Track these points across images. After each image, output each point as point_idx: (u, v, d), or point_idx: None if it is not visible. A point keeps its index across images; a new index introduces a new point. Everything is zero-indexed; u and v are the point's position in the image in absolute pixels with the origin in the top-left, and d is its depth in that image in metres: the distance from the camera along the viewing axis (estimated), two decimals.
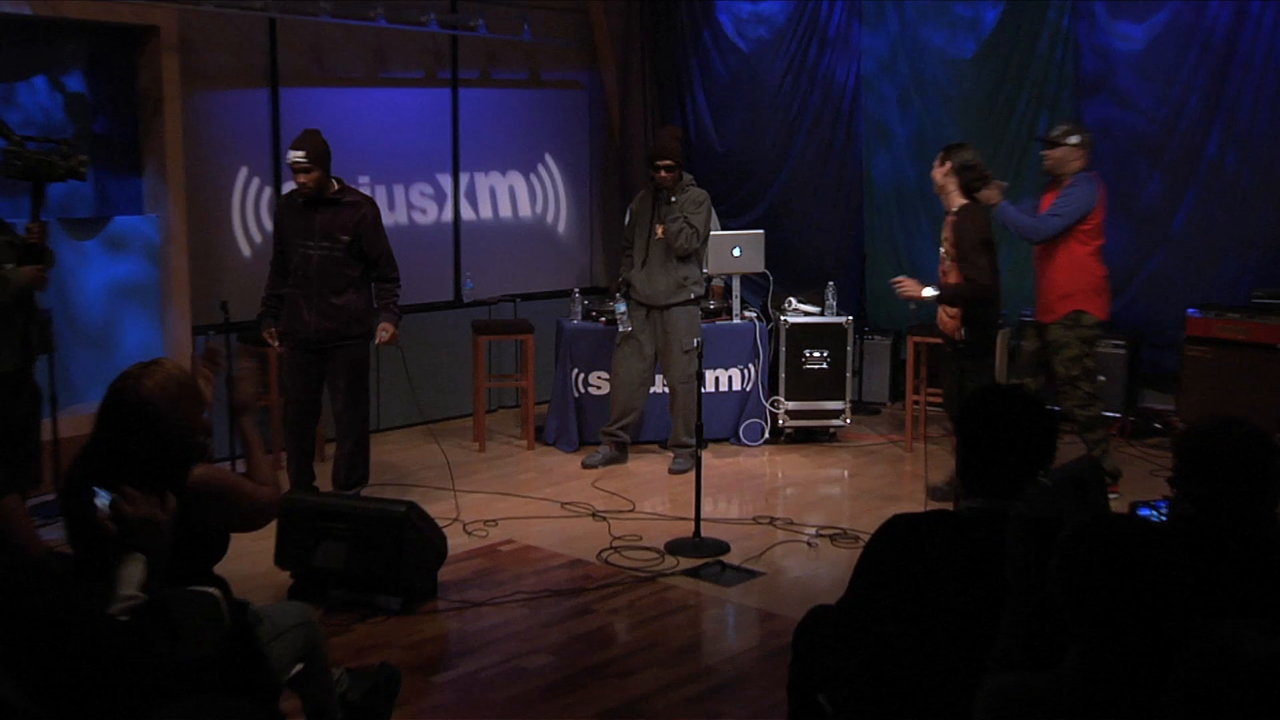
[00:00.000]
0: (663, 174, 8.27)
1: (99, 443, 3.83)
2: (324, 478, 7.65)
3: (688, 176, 8.54)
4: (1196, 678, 2.22)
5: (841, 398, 9.20)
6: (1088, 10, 9.33)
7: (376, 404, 9.35)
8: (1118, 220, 9.36)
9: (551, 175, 10.70)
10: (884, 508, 7.35)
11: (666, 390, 8.70)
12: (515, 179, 10.46)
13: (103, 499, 3.57)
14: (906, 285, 7.65)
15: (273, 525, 5.94)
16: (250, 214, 8.77)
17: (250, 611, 3.99)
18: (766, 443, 9.20)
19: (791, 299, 9.37)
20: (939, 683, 3.28)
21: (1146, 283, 9.35)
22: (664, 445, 8.88)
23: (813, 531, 7.24)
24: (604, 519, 7.45)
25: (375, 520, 5.97)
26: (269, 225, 8.55)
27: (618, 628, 5.92)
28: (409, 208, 9.74)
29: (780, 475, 8.61)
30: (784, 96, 10.74)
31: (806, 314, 9.26)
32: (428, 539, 6.13)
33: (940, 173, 7.52)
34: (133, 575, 3.37)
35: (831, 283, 9.39)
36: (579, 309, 9.15)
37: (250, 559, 6.05)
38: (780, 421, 9.21)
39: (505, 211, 10.41)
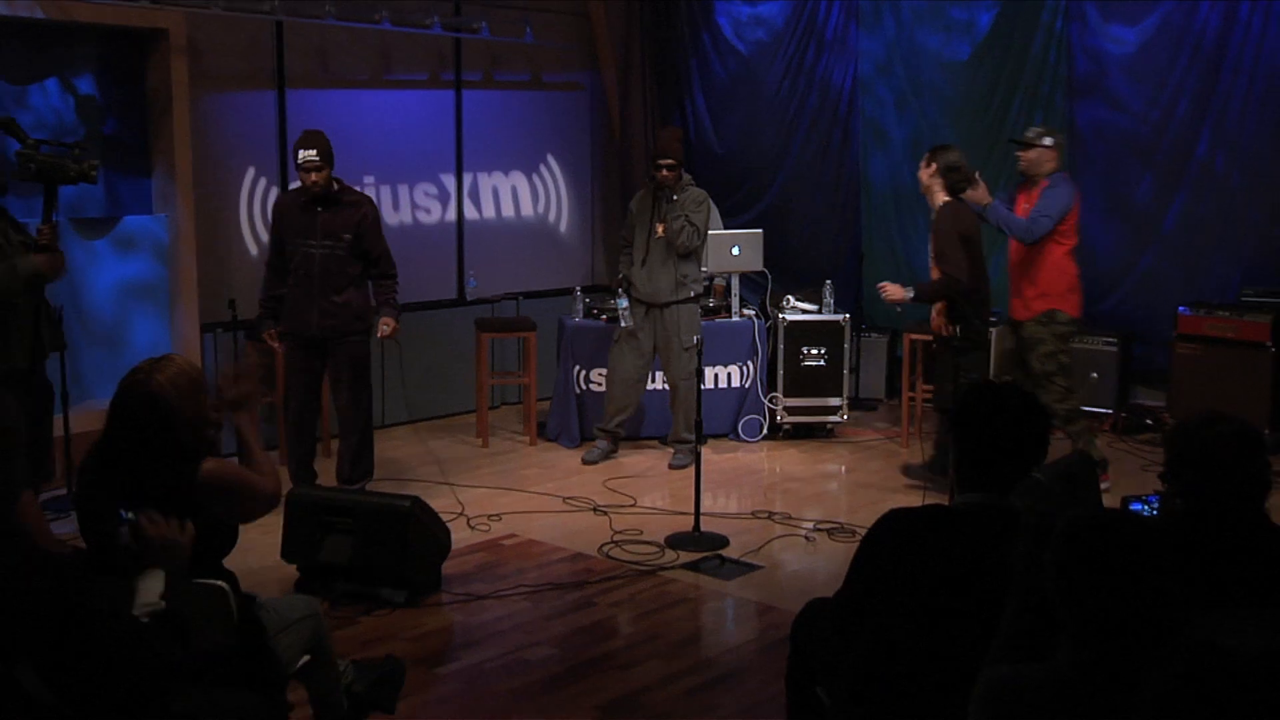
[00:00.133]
0: (664, 173, 8.37)
1: (111, 438, 3.85)
2: (327, 474, 7.73)
3: (687, 176, 8.65)
4: (1177, 671, 2.23)
5: (839, 394, 9.28)
6: (1080, 13, 9.41)
7: (380, 400, 9.44)
8: (1110, 220, 9.48)
9: (553, 175, 10.78)
10: (880, 502, 7.42)
11: (665, 387, 8.79)
12: (517, 179, 10.53)
13: (127, 520, 3.60)
14: (889, 289, 7.77)
15: (279, 519, 6.05)
16: (258, 214, 8.83)
17: (258, 604, 4.02)
18: (765, 438, 9.27)
19: (790, 297, 9.43)
20: (935, 675, 3.31)
21: (1138, 281, 9.44)
22: (664, 441, 8.96)
23: (810, 526, 7.31)
24: (605, 514, 7.51)
25: (380, 514, 6.02)
26: None
27: (619, 620, 5.97)
28: (413, 207, 9.82)
29: (778, 470, 8.68)
30: (782, 98, 10.81)
31: (804, 312, 9.33)
32: (432, 533, 6.19)
33: (926, 174, 7.62)
34: (153, 587, 3.38)
35: (829, 281, 9.45)
36: (580, 307, 9.22)
37: (257, 553, 6.14)
38: (778, 418, 9.28)
39: (508, 211, 10.49)
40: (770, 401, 9.26)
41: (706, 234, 8.54)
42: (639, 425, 9.02)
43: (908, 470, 8.11)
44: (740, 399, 9.26)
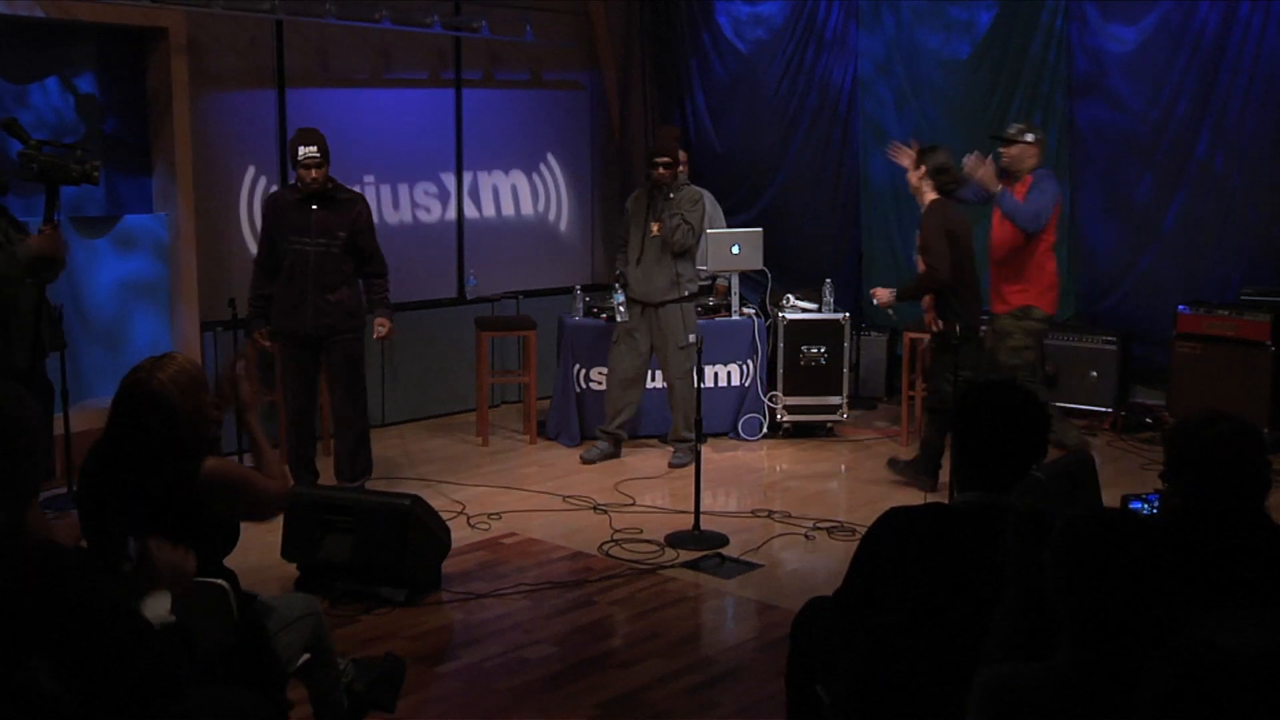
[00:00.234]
0: (661, 171, 8.38)
1: (112, 436, 3.86)
2: (326, 473, 7.74)
3: (683, 175, 8.66)
4: (1177, 670, 2.24)
5: (839, 393, 9.28)
6: (1080, 12, 9.42)
7: (381, 399, 9.47)
8: (1109, 219, 9.50)
9: (553, 174, 10.78)
10: (880, 501, 7.42)
11: (664, 386, 8.80)
12: (517, 178, 10.54)
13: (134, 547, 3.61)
14: (879, 294, 7.84)
15: (280, 518, 6.05)
16: (258, 213, 8.79)
17: (258, 603, 4.03)
18: (765, 437, 9.27)
19: (789, 296, 9.44)
20: (934, 673, 3.32)
21: (1138, 280, 9.45)
22: (664, 440, 8.97)
23: (810, 524, 7.33)
24: (605, 512, 7.52)
25: (380, 513, 6.03)
26: None
27: (619, 619, 5.98)
28: (413, 206, 9.83)
29: (778, 469, 8.69)
30: (782, 97, 10.83)
31: (804, 310, 9.34)
32: (432, 532, 6.20)
33: (915, 176, 7.69)
34: (161, 603, 3.39)
35: (829, 280, 9.45)
36: (580, 305, 9.22)
37: (258, 551, 6.13)
38: (778, 416, 9.28)
39: (508, 210, 10.50)
40: (770, 400, 9.27)
41: (701, 233, 8.54)
42: (638, 424, 9.02)
43: (891, 463, 8.12)
44: (740, 398, 9.27)
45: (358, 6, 9.04)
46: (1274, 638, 2.30)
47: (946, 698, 3.14)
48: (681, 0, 11.14)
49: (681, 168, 9.66)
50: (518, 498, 7.84)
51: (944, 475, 7.75)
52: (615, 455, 8.75)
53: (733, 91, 11.05)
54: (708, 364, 8.85)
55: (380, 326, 7.51)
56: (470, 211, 10.22)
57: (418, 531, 6.05)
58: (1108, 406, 9.33)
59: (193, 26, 8.31)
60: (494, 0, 9.99)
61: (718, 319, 9.24)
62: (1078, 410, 9.37)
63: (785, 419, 9.29)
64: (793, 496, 7.95)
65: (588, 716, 4.96)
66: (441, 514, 6.45)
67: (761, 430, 9.28)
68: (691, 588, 6.38)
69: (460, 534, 6.84)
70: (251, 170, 8.84)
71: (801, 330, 9.23)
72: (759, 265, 9.16)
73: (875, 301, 7.92)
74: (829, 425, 9.38)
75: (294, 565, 6.23)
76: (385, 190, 9.59)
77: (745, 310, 9.41)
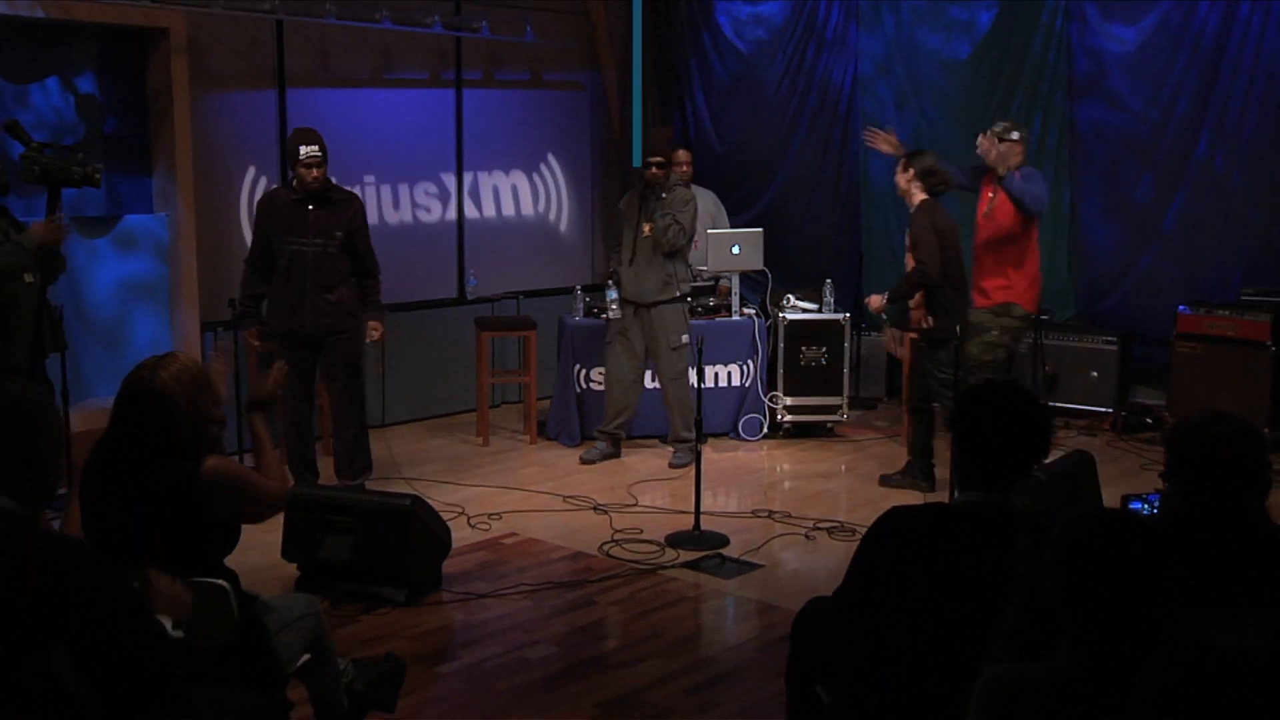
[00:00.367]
0: (654, 170, 8.37)
1: (114, 434, 3.86)
2: (326, 472, 7.77)
3: (675, 176, 8.66)
4: (1167, 669, 2.23)
5: (839, 393, 9.29)
6: (1080, 12, 9.43)
7: (381, 399, 9.47)
8: (1109, 219, 9.51)
9: (553, 174, 10.79)
10: (880, 501, 7.42)
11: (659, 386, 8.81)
12: (518, 178, 10.55)
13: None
14: (873, 301, 7.87)
15: (280, 518, 6.04)
16: None
17: (259, 603, 4.04)
18: (765, 437, 9.28)
19: (790, 296, 9.45)
20: (934, 673, 3.33)
21: (1138, 280, 9.46)
22: (664, 441, 8.97)
23: (811, 525, 7.33)
24: (605, 512, 7.53)
25: (380, 513, 6.03)
26: None
27: (619, 619, 5.98)
28: (413, 206, 9.83)
29: (779, 469, 8.70)
30: (782, 97, 10.84)
31: (804, 311, 9.34)
32: (432, 532, 6.20)
33: (904, 179, 7.72)
34: (164, 623, 3.39)
35: (829, 280, 9.45)
36: (580, 305, 9.22)
37: (258, 551, 6.13)
38: (779, 416, 9.29)
39: (508, 210, 10.51)
40: (770, 400, 9.27)
41: (693, 234, 8.54)
42: (639, 425, 9.01)
43: (883, 480, 8.10)
44: (740, 398, 9.28)
45: (358, 7, 9.05)
46: (1272, 638, 2.29)
47: (947, 697, 3.15)
48: (682, 0, 11.14)
49: (685, 168, 9.69)
50: (518, 498, 7.85)
51: (944, 473, 7.79)
52: (615, 455, 8.75)
53: (733, 91, 11.06)
54: (708, 364, 8.85)
55: (373, 330, 7.56)
56: (470, 212, 10.22)
57: (418, 531, 6.05)
58: (1108, 407, 9.34)
59: (193, 27, 8.31)
60: (494, 0, 9.99)
61: (718, 319, 9.24)
62: (1078, 410, 9.39)
63: (785, 419, 9.29)
64: (793, 497, 7.96)
65: (588, 717, 4.96)
66: (442, 514, 6.46)
67: (762, 430, 9.28)
68: (692, 588, 6.38)
69: (460, 534, 6.84)
70: (252, 170, 8.84)
71: (802, 330, 9.23)
72: (759, 265, 9.17)
73: (870, 309, 7.95)
74: (829, 425, 9.39)
75: (294, 565, 6.23)
76: (385, 190, 9.60)
77: (745, 310, 9.42)
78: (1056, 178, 9.66)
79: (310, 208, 7.31)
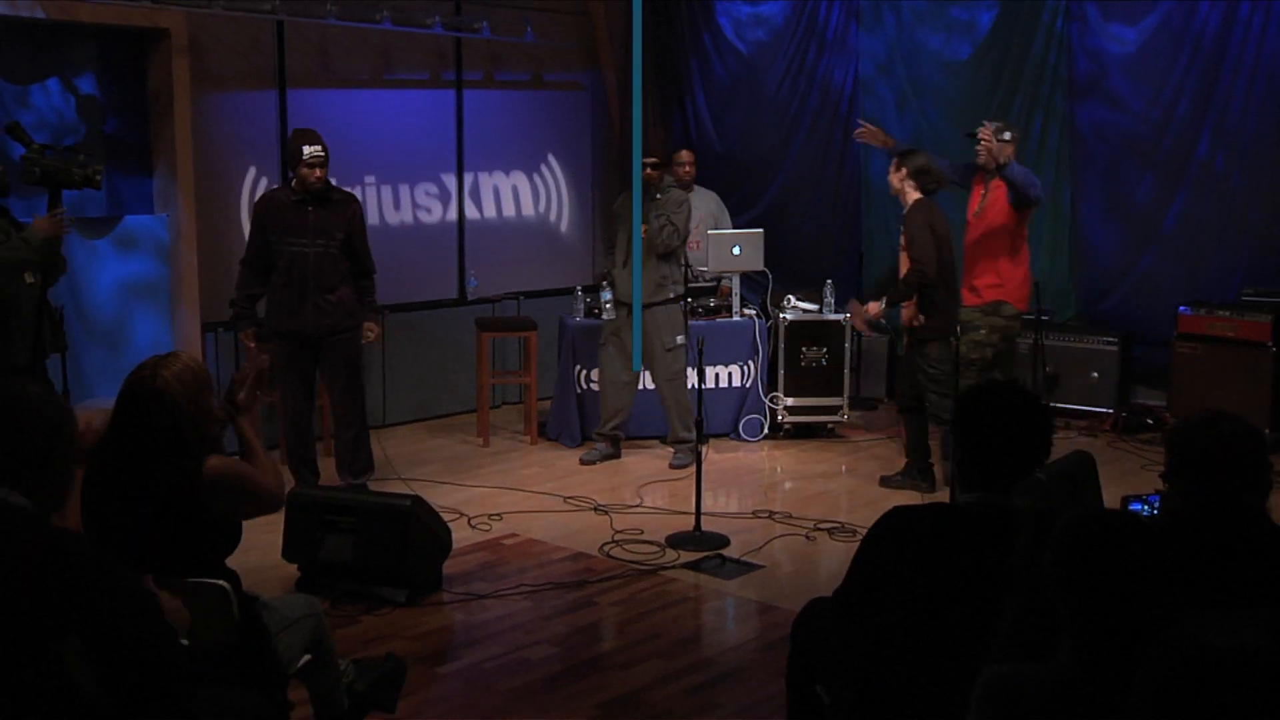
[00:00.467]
0: (649, 171, 8.36)
1: (116, 434, 3.87)
2: (325, 472, 7.78)
3: (669, 177, 8.66)
4: (1166, 669, 2.24)
5: (839, 394, 9.29)
6: (1081, 13, 9.44)
7: (382, 400, 9.49)
8: (1110, 219, 9.51)
9: (554, 175, 10.79)
10: (881, 502, 7.41)
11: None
12: (518, 179, 10.55)
13: None
14: (871, 309, 7.88)
15: (281, 519, 6.07)
16: None
17: (259, 604, 4.04)
18: (766, 438, 9.28)
19: (790, 297, 9.44)
20: (934, 674, 3.33)
21: (1138, 281, 9.46)
22: (664, 441, 8.96)
23: (811, 525, 7.32)
24: (606, 513, 7.53)
25: (381, 514, 6.03)
26: None
27: (619, 620, 5.98)
28: (414, 207, 9.84)
29: (779, 470, 8.69)
30: (783, 98, 10.84)
31: (805, 311, 9.34)
32: (433, 532, 6.20)
33: (897, 178, 7.75)
34: None
35: (829, 281, 9.44)
36: (581, 306, 9.20)
37: (258, 552, 6.13)
38: (779, 417, 9.29)
39: (509, 211, 10.51)
40: (771, 401, 9.27)
41: (687, 235, 8.52)
42: (640, 426, 9.00)
43: (883, 481, 8.10)
44: (741, 399, 9.28)
45: (359, 7, 9.05)
46: (1271, 638, 2.29)
47: (947, 698, 3.15)
48: (682, 1, 11.15)
49: (688, 169, 9.70)
50: (518, 498, 7.85)
51: (940, 469, 7.80)
52: (615, 456, 8.75)
53: (733, 92, 11.06)
54: (709, 365, 8.85)
55: (369, 332, 7.60)
56: (471, 212, 10.22)
57: (418, 532, 6.05)
58: (1108, 407, 9.34)
59: (194, 27, 8.31)
60: (494, 1, 10.00)
61: (719, 320, 9.24)
62: (1078, 411, 9.39)
63: (786, 420, 9.29)
64: (793, 497, 7.96)
65: (588, 717, 4.96)
66: (442, 515, 6.45)
67: (762, 431, 9.28)
68: (692, 589, 6.39)
69: (461, 535, 6.84)
70: (252, 171, 8.84)
71: (802, 331, 9.23)
72: (760, 266, 9.17)
73: (869, 316, 7.95)
74: (830, 426, 9.38)
75: (295, 566, 6.23)
76: (386, 191, 9.60)
77: (746, 311, 9.42)
78: (1057, 178, 9.67)
79: (310, 209, 7.31)
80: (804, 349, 9.22)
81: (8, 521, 2.87)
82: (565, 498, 7.84)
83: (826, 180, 10.78)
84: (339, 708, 4.41)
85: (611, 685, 5.23)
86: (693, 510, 7.12)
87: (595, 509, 7.63)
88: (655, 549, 6.89)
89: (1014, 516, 3.40)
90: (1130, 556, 2.61)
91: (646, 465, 8.60)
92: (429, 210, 9.94)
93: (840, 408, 9.31)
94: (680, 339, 8.43)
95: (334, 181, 7.51)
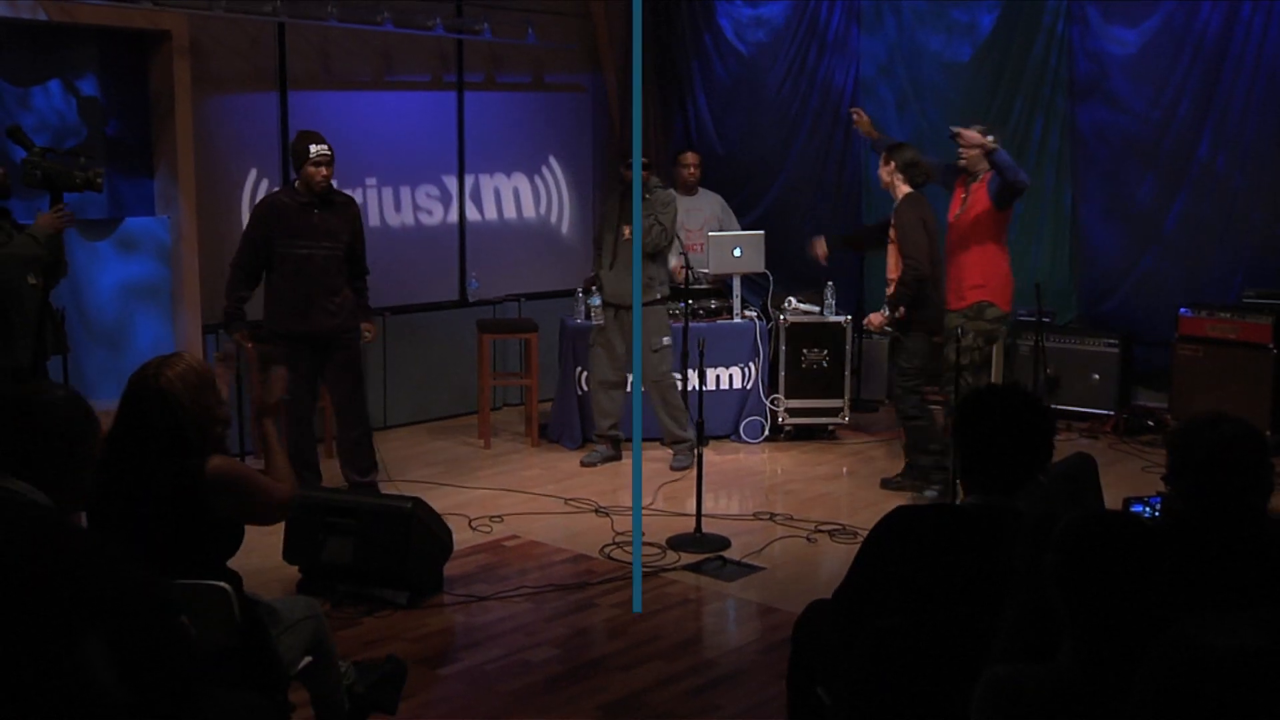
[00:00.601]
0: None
1: (118, 433, 3.87)
2: (327, 473, 7.78)
3: (656, 179, 8.66)
4: (1165, 670, 2.25)
5: (840, 395, 9.30)
6: (1082, 15, 9.43)
7: (383, 401, 9.49)
8: (1111, 220, 9.51)
9: (555, 176, 10.79)
10: (882, 504, 7.42)
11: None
12: (519, 180, 10.55)
13: None
14: (873, 320, 7.89)
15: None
16: None
17: (260, 606, 4.04)
18: (766, 440, 9.28)
19: (791, 298, 9.44)
20: (936, 675, 3.33)
21: (1139, 282, 9.46)
22: (664, 443, 8.97)
23: (812, 527, 7.32)
24: (607, 515, 7.53)
25: (382, 515, 6.04)
26: None
27: (620, 621, 5.97)
28: (415, 209, 9.84)
29: (780, 472, 8.69)
30: (783, 99, 10.83)
31: (806, 313, 9.34)
32: (434, 534, 6.20)
33: (886, 171, 7.82)
34: None
35: (830, 283, 9.44)
36: (582, 308, 9.20)
37: (259, 554, 6.12)
38: (780, 419, 9.29)
39: (510, 212, 10.51)
40: (772, 403, 9.28)
41: (674, 235, 8.50)
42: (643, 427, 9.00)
43: (884, 483, 8.10)
44: (742, 400, 9.28)
45: (360, 9, 9.06)
46: (1270, 638, 2.30)
47: (948, 699, 3.15)
48: (683, 2, 11.15)
49: (693, 170, 9.71)
50: (519, 500, 7.85)
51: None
52: (615, 458, 8.75)
53: (734, 93, 11.06)
54: (709, 367, 8.85)
55: (366, 332, 7.62)
56: (472, 214, 10.23)
57: (419, 534, 6.05)
58: (1109, 409, 9.34)
59: (195, 29, 8.32)
60: (496, 3, 10.00)
61: (719, 322, 9.24)
62: (1079, 413, 9.39)
63: (787, 422, 9.29)
64: (794, 499, 7.96)
65: (589, 719, 4.96)
66: (443, 516, 6.45)
67: (763, 433, 9.28)
68: (693, 590, 6.39)
69: (462, 536, 6.85)
70: (254, 173, 8.85)
71: (803, 333, 9.24)
72: (761, 268, 9.18)
73: (872, 328, 7.96)
74: (830, 428, 9.39)
75: (296, 567, 6.24)
76: (387, 193, 9.60)
77: (747, 313, 9.42)
78: (1058, 179, 9.68)
79: (317, 211, 7.30)
80: (805, 351, 9.22)
81: (29, 517, 2.92)
82: (566, 499, 7.85)
83: (827, 182, 10.78)
84: (340, 709, 4.40)
85: (612, 687, 5.23)
86: (693, 512, 7.12)
87: (596, 511, 7.63)
88: (656, 551, 6.88)
89: (1017, 519, 3.40)
90: (1131, 558, 2.61)
91: (646, 467, 8.57)
92: (430, 212, 9.95)
93: (841, 409, 9.31)
94: (666, 340, 8.42)
95: (334, 183, 7.51)
